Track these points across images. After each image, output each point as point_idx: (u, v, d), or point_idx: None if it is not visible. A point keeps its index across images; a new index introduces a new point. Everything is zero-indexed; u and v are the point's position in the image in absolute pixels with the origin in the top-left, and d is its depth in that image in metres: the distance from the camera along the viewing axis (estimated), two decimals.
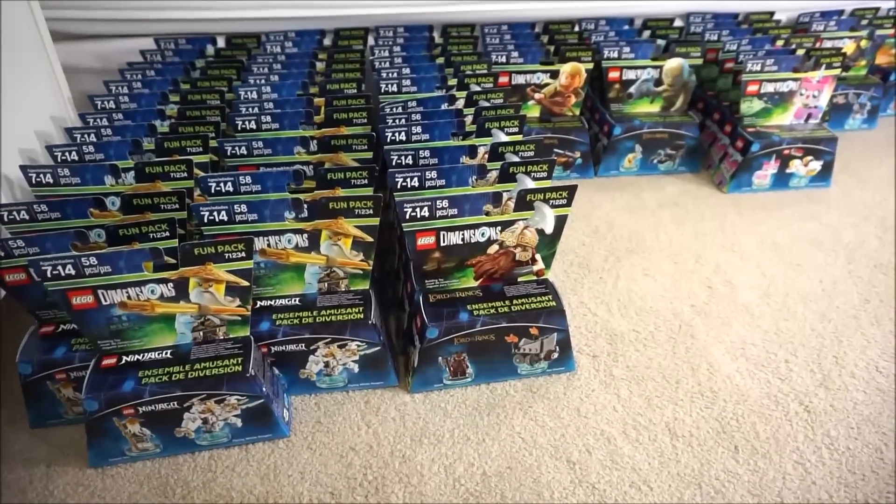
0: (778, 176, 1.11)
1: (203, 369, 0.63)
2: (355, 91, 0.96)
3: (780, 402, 0.71)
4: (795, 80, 1.08)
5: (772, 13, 1.32)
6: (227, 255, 0.61)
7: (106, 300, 0.60)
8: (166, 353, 0.64)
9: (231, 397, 0.63)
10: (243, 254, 0.61)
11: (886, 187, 1.13)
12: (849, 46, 1.26)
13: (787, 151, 1.08)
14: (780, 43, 1.19)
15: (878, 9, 1.33)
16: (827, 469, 0.64)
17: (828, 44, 1.23)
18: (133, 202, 0.68)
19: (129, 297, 0.61)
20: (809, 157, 1.10)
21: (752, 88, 1.08)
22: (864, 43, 1.27)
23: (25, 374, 0.65)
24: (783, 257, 0.95)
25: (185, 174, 0.75)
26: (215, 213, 0.66)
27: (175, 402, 0.62)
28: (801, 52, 1.12)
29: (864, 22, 1.30)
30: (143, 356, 0.64)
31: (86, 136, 0.82)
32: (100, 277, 0.59)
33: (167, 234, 0.64)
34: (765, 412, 0.70)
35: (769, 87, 1.08)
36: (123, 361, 0.63)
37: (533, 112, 1.14)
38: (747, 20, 1.32)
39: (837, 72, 1.09)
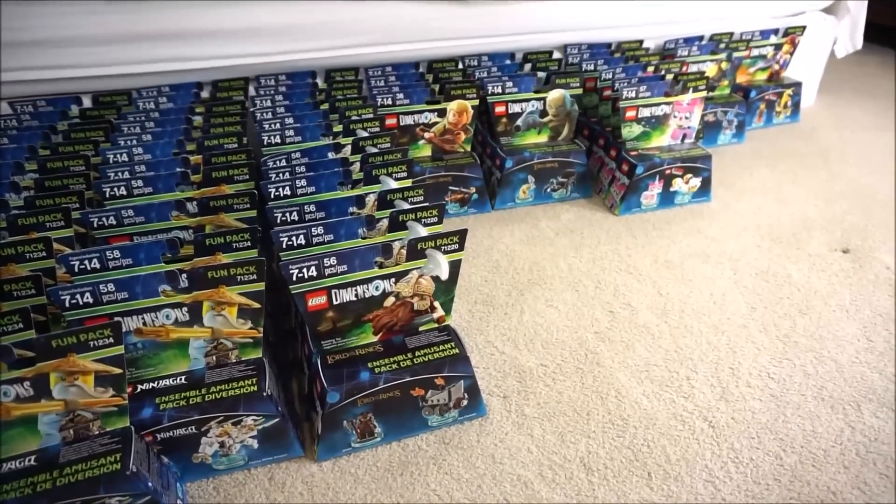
0: (663, 195, 1.16)
1: (75, 473, 0.56)
2: (236, 146, 0.92)
3: (685, 420, 0.73)
4: (668, 103, 1.14)
5: (641, 41, 1.40)
6: (91, 342, 0.55)
7: None
8: (30, 461, 0.57)
9: (111, 499, 0.56)
10: (111, 339, 0.56)
11: (759, 197, 1.20)
12: (711, 69, 1.35)
13: (668, 171, 1.14)
14: (650, 69, 1.26)
15: (732, 33, 1.44)
16: (734, 483, 0.65)
17: (693, 68, 1.32)
18: None
19: None
20: (689, 175, 1.16)
21: (630, 114, 1.13)
22: (724, 65, 1.36)
23: None
24: (675, 274, 0.99)
25: (44, 253, 0.68)
26: (78, 296, 0.60)
27: None
28: (670, 77, 1.19)
29: (722, 45, 1.41)
30: (1, 468, 0.56)
31: None
32: None
33: (21, 325, 0.57)
34: (673, 433, 0.71)
35: (645, 112, 1.14)
36: None
37: (424, 151, 1.14)
38: (619, 49, 1.39)
39: (704, 93, 1.16)
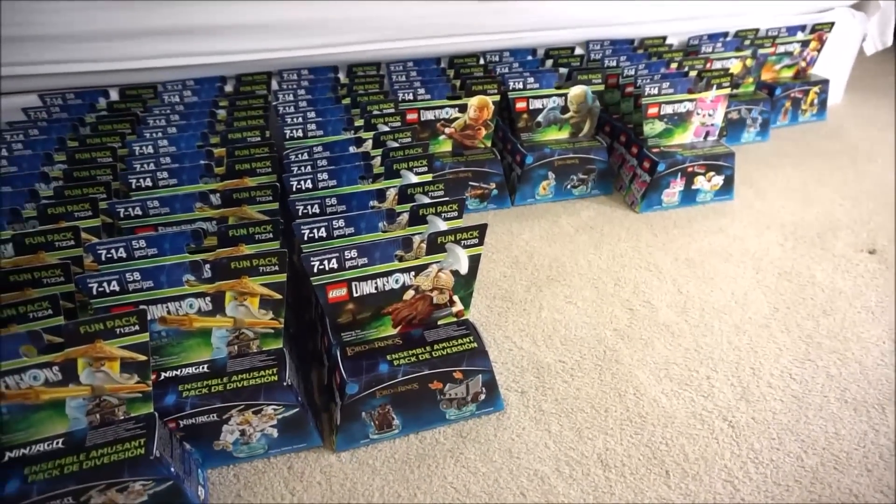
0: (685, 193, 1.15)
1: (101, 457, 0.57)
2: (259, 139, 0.93)
3: (705, 420, 0.72)
4: (691, 100, 1.13)
5: (664, 38, 1.39)
6: (118, 329, 0.56)
7: None
8: (58, 444, 0.58)
9: (135, 483, 0.58)
10: (137, 326, 0.57)
11: (783, 196, 1.19)
12: (736, 66, 1.33)
13: (690, 169, 1.13)
14: (674, 66, 1.25)
15: (758, 29, 1.42)
16: (754, 484, 0.65)
17: (717, 64, 1.30)
18: (10, 278, 0.62)
19: (7, 387, 0.55)
20: (712, 173, 1.15)
21: (652, 111, 1.12)
22: (749, 62, 1.35)
23: None
24: (696, 272, 0.98)
25: (73, 242, 0.69)
26: (105, 284, 0.61)
27: (70, 498, 0.56)
28: (693, 73, 1.18)
29: (747, 42, 1.39)
30: (29, 450, 0.57)
31: None
32: None
33: (50, 311, 0.59)
34: (692, 432, 0.71)
35: (668, 109, 1.13)
36: (6, 459, 0.57)
37: (445, 147, 1.14)
38: (642, 45, 1.38)
39: (728, 90, 1.15)
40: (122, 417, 0.61)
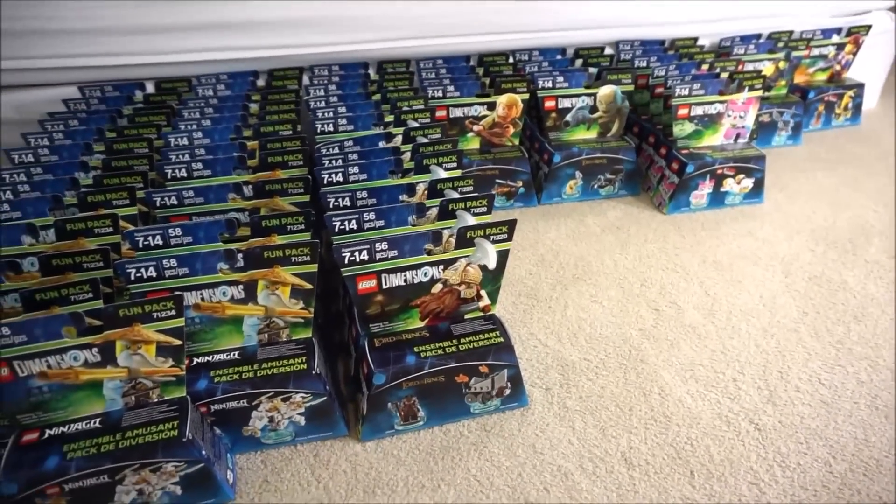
0: (714, 195, 1.14)
1: (136, 437, 0.59)
2: (290, 132, 0.95)
3: (731, 422, 0.72)
4: (722, 102, 1.12)
5: (695, 39, 1.38)
6: (155, 314, 0.58)
7: (23, 371, 0.56)
8: (95, 423, 0.60)
9: (168, 464, 0.59)
10: (173, 311, 0.58)
11: (814, 200, 1.17)
12: (768, 68, 1.32)
13: (720, 171, 1.12)
14: (705, 67, 1.24)
15: (791, 32, 1.40)
16: (780, 487, 0.64)
17: (749, 66, 1.29)
18: (52, 262, 0.64)
19: (49, 367, 0.56)
20: (741, 175, 1.14)
21: (682, 112, 1.11)
22: (781, 64, 1.33)
23: None
24: (724, 275, 0.97)
25: (111, 229, 0.71)
26: (143, 270, 0.63)
27: (106, 476, 0.58)
28: (724, 75, 1.17)
29: (780, 44, 1.37)
30: (68, 428, 0.59)
31: (1, 194, 0.78)
32: (14, 348, 0.54)
33: (90, 295, 0.61)
34: (717, 434, 0.70)
35: (698, 111, 1.12)
36: (46, 436, 0.59)
37: (472, 144, 1.15)
38: (673, 46, 1.37)
39: (760, 93, 1.14)
40: (156, 400, 0.62)
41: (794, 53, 1.36)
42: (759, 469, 0.66)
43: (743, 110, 1.14)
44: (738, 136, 1.17)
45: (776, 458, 0.67)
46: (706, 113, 1.12)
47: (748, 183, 1.15)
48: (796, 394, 0.75)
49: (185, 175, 0.83)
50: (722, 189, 1.14)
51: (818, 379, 0.77)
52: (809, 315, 0.88)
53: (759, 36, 1.40)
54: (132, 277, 0.63)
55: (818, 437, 0.69)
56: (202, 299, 0.65)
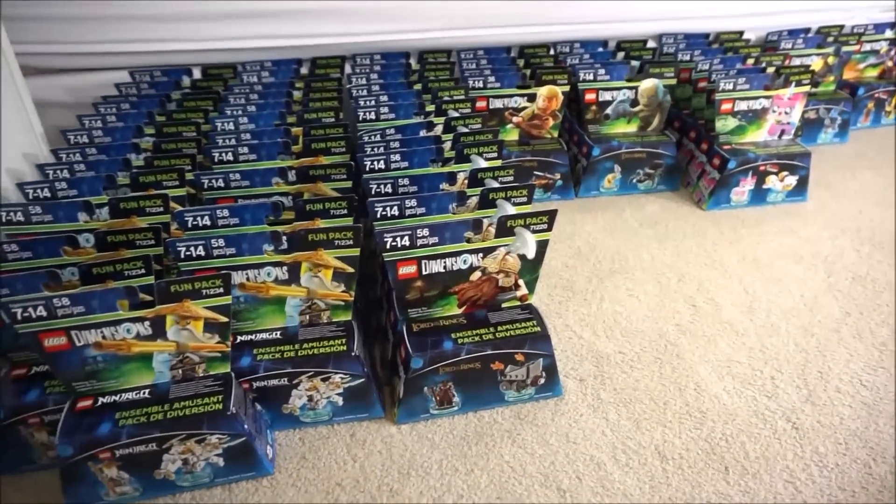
0: (755, 192, 1.12)
1: (183, 408, 0.61)
2: (333, 120, 0.96)
3: (767, 419, 0.71)
4: (767, 97, 1.10)
5: (741, 33, 1.35)
6: (204, 291, 0.60)
7: (80, 341, 0.58)
8: (144, 393, 0.63)
9: (212, 436, 0.61)
10: (221, 289, 0.60)
11: (860, 199, 1.14)
12: (817, 63, 1.29)
13: (763, 167, 1.10)
14: (750, 62, 1.22)
15: (842, 26, 1.37)
16: (817, 487, 0.64)
17: (796, 61, 1.26)
18: (107, 239, 0.67)
19: (104, 337, 0.59)
20: (785, 173, 1.11)
21: (725, 107, 1.10)
22: (831, 59, 1.29)
23: None
24: (764, 273, 0.95)
25: (161, 209, 0.73)
26: (192, 249, 0.65)
27: (154, 444, 0.60)
28: (771, 70, 1.15)
29: (830, 39, 1.34)
30: (119, 397, 0.62)
31: (58, 172, 0.81)
32: (73, 318, 0.57)
33: (143, 271, 0.63)
34: (753, 431, 0.70)
35: (742, 105, 1.10)
36: (99, 403, 0.61)
37: (511, 135, 1.15)
38: (718, 40, 1.34)
39: (807, 88, 1.11)
40: (202, 375, 0.65)
41: (845, 48, 1.32)
42: (796, 468, 0.66)
43: (789, 106, 1.12)
44: (782, 132, 1.14)
45: (813, 457, 0.67)
46: (750, 108, 1.10)
47: (792, 180, 1.12)
48: (836, 394, 0.74)
49: (231, 159, 0.85)
50: (764, 186, 1.12)
51: (860, 380, 0.76)
52: (852, 316, 0.86)
53: (807, 30, 1.37)
54: (182, 255, 0.65)
55: (858, 439, 0.68)
56: (247, 279, 0.67)
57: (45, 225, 0.72)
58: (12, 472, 0.67)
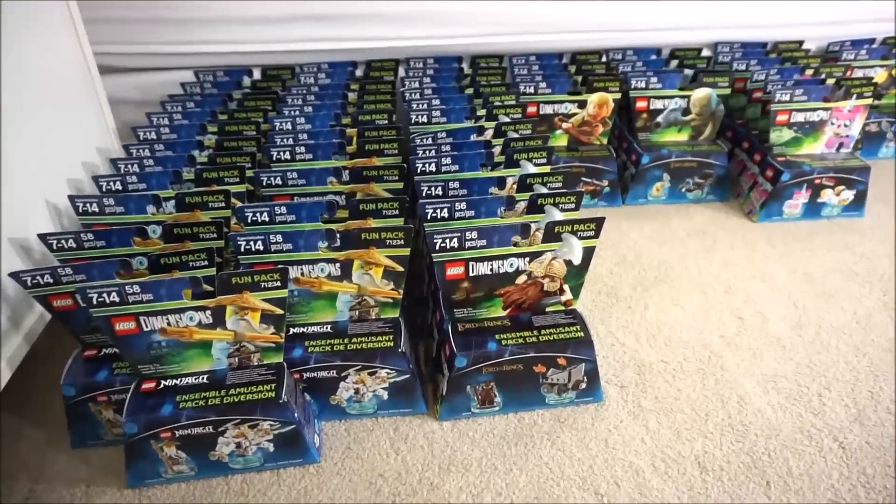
0: (809, 205, 1.10)
1: (238, 395, 0.64)
2: (386, 122, 0.99)
3: (813, 437, 0.70)
4: (826, 109, 1.08)
5: (801, 42, 1.32)
6: (262, 284, 0.63)
7: (147, 326, 0.62)
8: (203, 378, 0.66)
9: (264, 423, 0.65)
10: (278, 283, 0.63)
11: None
12: (880, 75, 1.25)
13: (818, 181, 1.08)
14: (809, 72, 1.19)
15: None
16: None
17: (858, 73, 1.23)
18: (174, 231, 0.71)
19: (168, 324, 0.63)
20: (842, 187, 1.09)
21: (781, 118, 1.08)
22: (895, 72, 1.26)
23: (69, 395, 0.68)
24: (815, 288, 0.94)
25: (223, 204, 0.77)
26: (251, 243, 0.68)
27: (210, 427, 0.64)
28: (831, 81, 1.12)
29: (895, 51, 1.30)
30: (180, 381, 0.66)
31: (129, 166, 0.86)
32: (142, 305, 0.61)
33: (206, 262, 0.67)
34: (798, 447, 0.69)
35: (799, 117, 1.08)
36: (162, 386, 0.65)
37: (561, 141, 1.15)
38: (776, 49, 1.32)
39: (869, 101, 1.08)
40: (256, 364, 0.68)
41: None
42: (841, 488, 0.65)
43: (849, 119, 1.09)
44: (840, 145, 1.12)
45: (860, 478, 0.66)
46: (807, 120, 1.08)
47: (848, 195, 1.10)
48: (887, 415, 0.73)
49: (288, 158, 0.89)
50: (819, 200, 1.09)
51: None
52: None
53: (872, 41, 1.33)
54: (242, 249, 0.69)
55: None
56: (302, 274, 0.70)
57: (117, 216, 0.77)
58: (80, 446, 0.72)
